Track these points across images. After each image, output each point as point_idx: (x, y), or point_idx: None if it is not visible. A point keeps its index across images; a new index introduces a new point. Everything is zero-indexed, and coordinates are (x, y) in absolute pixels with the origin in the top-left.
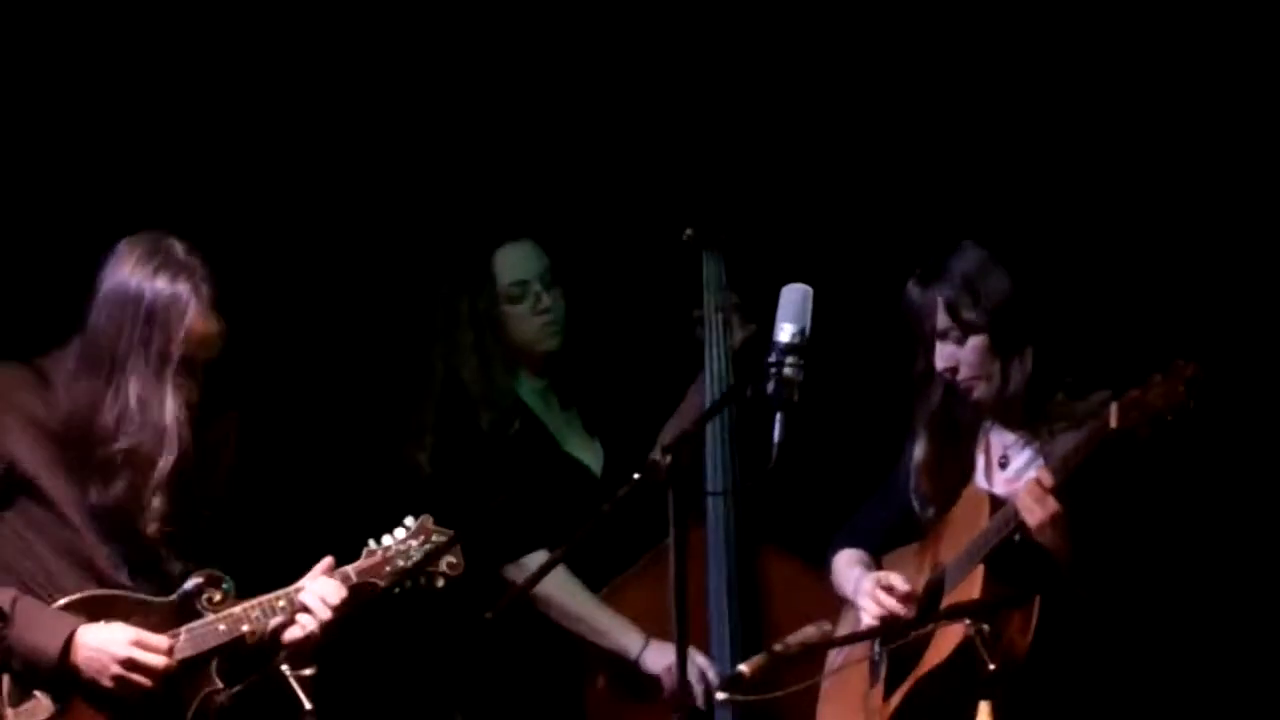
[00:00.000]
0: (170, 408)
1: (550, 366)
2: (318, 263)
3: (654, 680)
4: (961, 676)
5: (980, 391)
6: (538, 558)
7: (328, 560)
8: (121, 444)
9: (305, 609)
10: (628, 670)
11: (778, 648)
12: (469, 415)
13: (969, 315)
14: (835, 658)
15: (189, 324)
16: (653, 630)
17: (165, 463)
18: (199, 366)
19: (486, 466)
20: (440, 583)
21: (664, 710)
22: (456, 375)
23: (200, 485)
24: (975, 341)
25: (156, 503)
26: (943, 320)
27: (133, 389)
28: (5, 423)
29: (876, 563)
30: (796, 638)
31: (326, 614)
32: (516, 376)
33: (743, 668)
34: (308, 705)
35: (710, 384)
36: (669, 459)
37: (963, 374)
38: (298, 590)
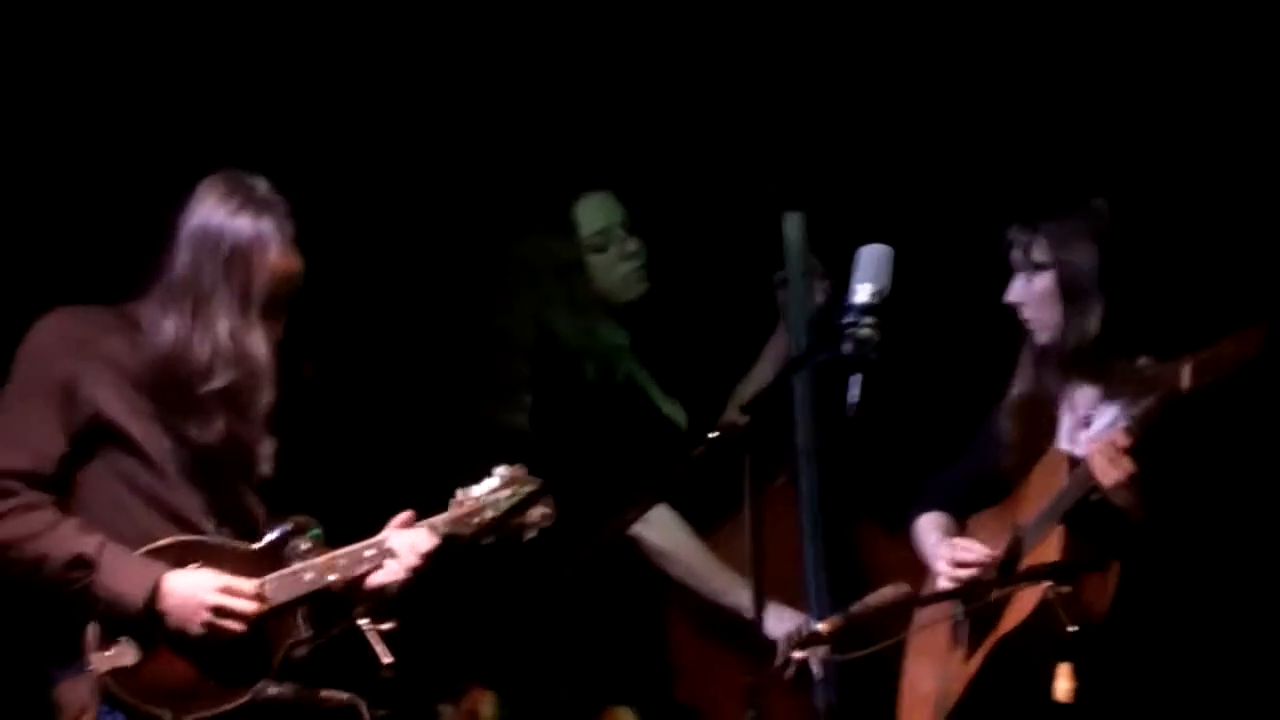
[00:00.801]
0: (261, 344)
1: (629, 321)
2: (390, 218)
3: (740, 633)
4: (1041, 638)
5: (1042, 336)
6: (660, 512)
7: (408, 514)
8: (218, 381)
9: (393, 555)
10: (714, 622)
11: (855, 608)
12: (571, 367)
13: (1039, 255)
14: (919, 617)
15: (272, 261)
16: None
17: (265, 399)
18: (282, 304)
19: (594, 417)
20: (530, 534)
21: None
22: (549, 329)
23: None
24: (1041, 281)
25: (266, 443)
26: (1018, 256)
27: (222, 326)
28: (91, 370)
29: (960, 525)
30: (874, 599)
31: (414, 561)
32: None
33: (820, 626)
34: (386, 659)
35: (793, 345)
36: (746, 419)
37: (1026, 311)
38: (384, 540)
